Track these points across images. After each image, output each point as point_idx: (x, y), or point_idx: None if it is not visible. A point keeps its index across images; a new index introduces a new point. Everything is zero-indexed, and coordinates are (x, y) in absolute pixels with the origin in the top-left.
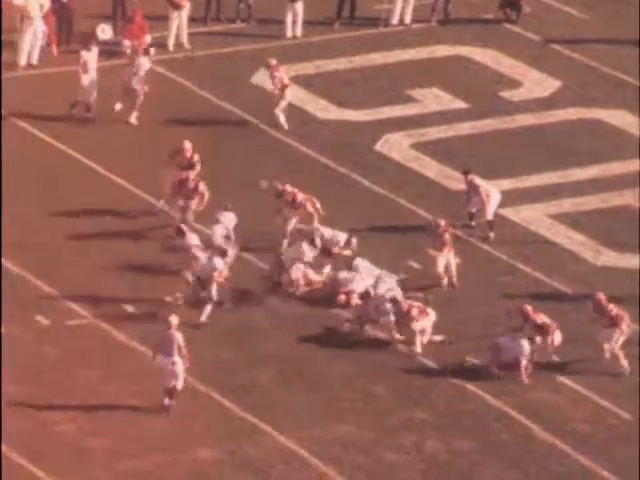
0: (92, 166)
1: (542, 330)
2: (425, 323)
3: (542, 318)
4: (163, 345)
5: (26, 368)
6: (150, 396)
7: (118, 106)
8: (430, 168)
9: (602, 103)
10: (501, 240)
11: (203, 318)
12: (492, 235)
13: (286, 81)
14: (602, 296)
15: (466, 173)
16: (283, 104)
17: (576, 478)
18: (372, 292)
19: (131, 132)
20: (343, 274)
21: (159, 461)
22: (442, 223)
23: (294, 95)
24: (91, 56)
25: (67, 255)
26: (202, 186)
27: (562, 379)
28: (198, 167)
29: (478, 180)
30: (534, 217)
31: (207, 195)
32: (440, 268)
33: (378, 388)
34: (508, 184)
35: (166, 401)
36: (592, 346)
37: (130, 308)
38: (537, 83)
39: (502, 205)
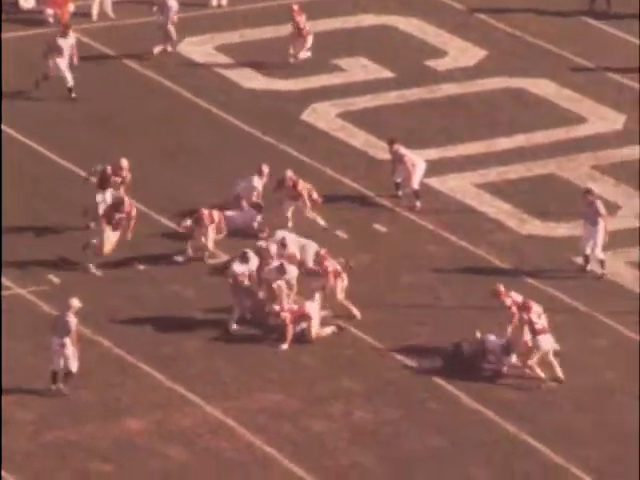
0: (25, 141)
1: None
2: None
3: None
4: (56, 326)
5: None
6: (78, 367)
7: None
8: (356, 137)
9: (526, 72)
10: (427, 209)
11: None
12: (418, 204)
13: (306, 27)
14: (501, 289)
15: (391, 143)
16: (303, 48)
17: (501, 444)
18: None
19: (62, 104)
20: (261, 243)
21: (86, 431)
22: (327, 264)
23: (220, 64)
24: (66, 42)
25: None
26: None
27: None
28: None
29: (403, 150)
30: (460, 186)
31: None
32: (340, 296)
33: (305, 357)
34: (434, 153)
35: (52, 387)
36: None
37: (56, 279)
38: (462, 52)
39: (428, 174)
